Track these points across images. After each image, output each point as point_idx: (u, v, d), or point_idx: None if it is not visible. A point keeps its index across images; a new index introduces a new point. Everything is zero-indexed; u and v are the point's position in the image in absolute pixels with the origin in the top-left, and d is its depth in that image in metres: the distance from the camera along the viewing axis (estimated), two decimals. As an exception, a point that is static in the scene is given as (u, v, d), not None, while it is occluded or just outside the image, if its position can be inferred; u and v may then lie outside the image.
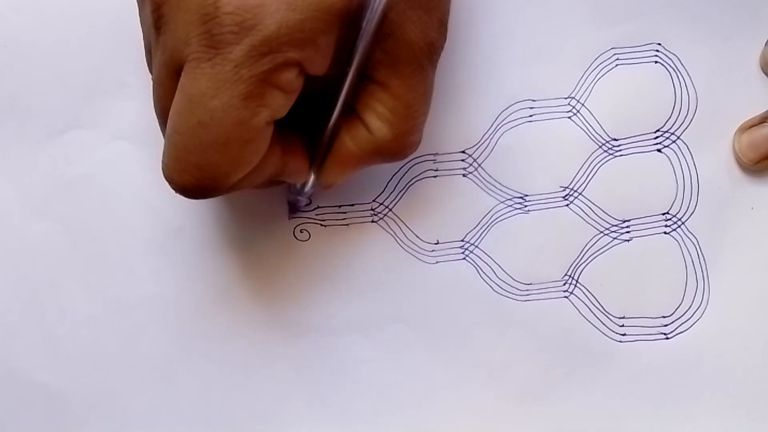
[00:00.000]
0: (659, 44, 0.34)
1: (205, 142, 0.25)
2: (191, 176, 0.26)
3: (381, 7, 0.26)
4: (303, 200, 0.33)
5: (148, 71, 0.33)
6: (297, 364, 0.34)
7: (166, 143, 0.26)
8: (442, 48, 0.28)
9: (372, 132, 0.28)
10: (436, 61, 0.28)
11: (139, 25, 0.29)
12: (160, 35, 0.26)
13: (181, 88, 0.25)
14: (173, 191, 0.33)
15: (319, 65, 0.26)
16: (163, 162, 0.27)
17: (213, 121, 0.25)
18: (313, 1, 0.25)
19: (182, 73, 0.25)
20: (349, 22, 0.26)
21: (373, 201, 0.34)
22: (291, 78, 0.25)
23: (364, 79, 0.28)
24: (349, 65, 0.27)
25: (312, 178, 0.30)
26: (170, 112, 0.26)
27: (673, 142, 0.34)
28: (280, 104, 0.26)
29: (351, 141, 0.29)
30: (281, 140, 0.28)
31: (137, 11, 0.29)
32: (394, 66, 0.27)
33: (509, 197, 0.34)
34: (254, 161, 0.27)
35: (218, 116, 0.25)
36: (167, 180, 0.27)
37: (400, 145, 0.29)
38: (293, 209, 0.34)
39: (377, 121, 0.28)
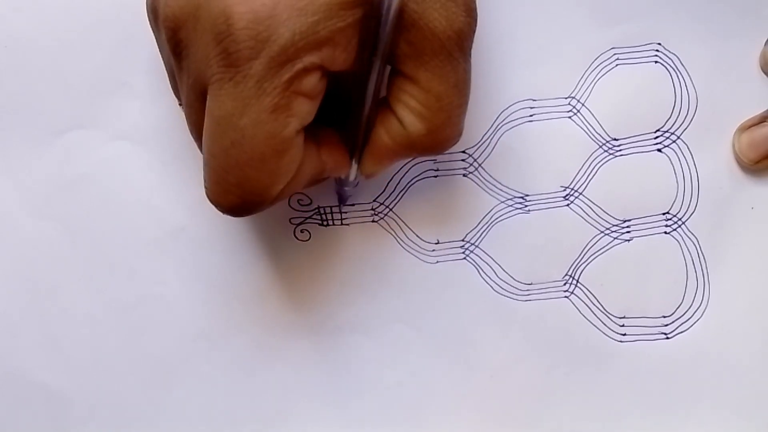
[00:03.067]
0: (659, 44, 0.34)
1: (241, 161, 0.25)
2: (234, 196, 0.26)
3: None
4: (350, 191, 0.33)
5: (149, 71, 0.33)
6: (297, 363, 0.34)
7: (205, 168, 0.27)
8: (474, 34, 0.27)
9: (405, 126, 0.28)
10: (469, 48, 0.27)
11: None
12: (182, 60, 0.26)
13: (209, 111, 0.25)
14: (174, 191, 0.34)
15: (342, 61, 0.26)
16: (205, 187, 0.27)
17: (245, 139, 0.25)
18: (324, 1, 0.24)
19: (208, 96, 0.25)
20: (369, 11, 0.25)
21: (374, 201, 0.34)
22: (314, 82, 0.25)
23: (394, 72, 0.27)
24: (374, 55, 0.26)
25: (354, 168, 0.30)
26: (203, 137, 0.26)
27: (674, 142, 0.34)
28: (306, 111, 0.26)
29: (386, 134, 0.28)
30: (316, 140, 0.28)
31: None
32: (421, 57, 0.26)
33: (510, 197, 0.34)
34: (292, 170, 0.27)
35: (249, 134, 0.25)
36: (213, 203, 0.27)
37: (436, 139, 0.28)
38: (342, 200, 0.34)
39: (410, 115, 0.27)
